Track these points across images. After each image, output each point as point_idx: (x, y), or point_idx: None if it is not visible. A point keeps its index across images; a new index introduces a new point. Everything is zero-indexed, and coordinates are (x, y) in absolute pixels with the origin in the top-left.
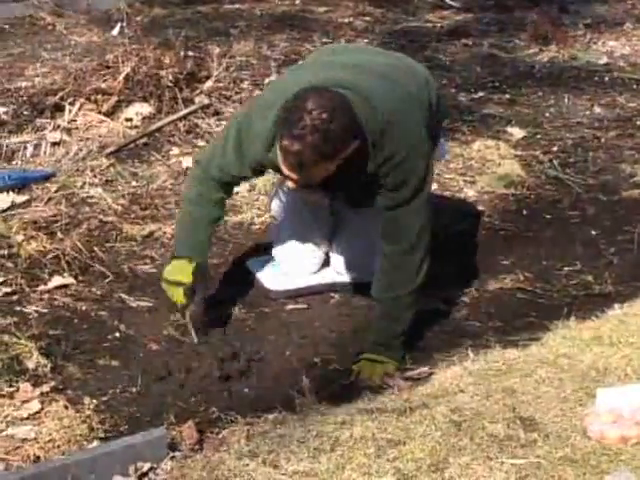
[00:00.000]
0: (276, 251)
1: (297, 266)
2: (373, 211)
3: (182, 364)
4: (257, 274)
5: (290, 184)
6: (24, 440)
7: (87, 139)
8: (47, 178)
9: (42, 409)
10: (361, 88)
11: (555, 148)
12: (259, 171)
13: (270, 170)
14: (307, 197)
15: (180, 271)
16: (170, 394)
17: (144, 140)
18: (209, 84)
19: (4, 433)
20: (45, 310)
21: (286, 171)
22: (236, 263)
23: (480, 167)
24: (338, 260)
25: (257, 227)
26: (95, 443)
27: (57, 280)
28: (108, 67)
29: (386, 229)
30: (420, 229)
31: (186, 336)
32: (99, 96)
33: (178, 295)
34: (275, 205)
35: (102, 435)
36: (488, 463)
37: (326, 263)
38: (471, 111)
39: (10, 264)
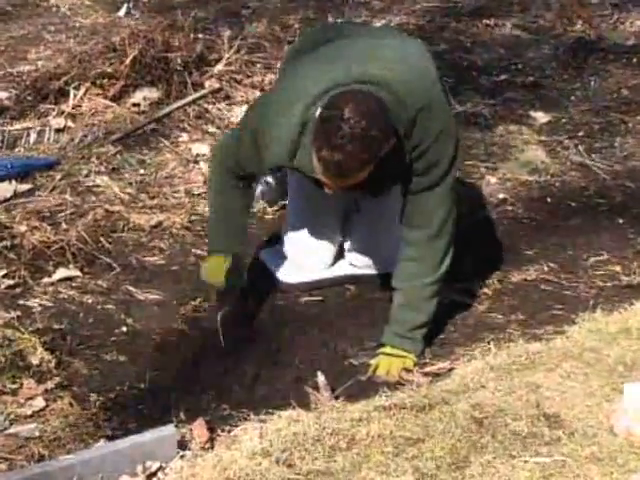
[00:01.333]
0: (288, 243)
1: (311, 258)
2: (390, 197)
3: (192, 359)
4: (270, 266)
5: (327, 190)
6: (28, 439)
7: (92, 125)
8: (51, 166)
9: (47, 406)
10: (387, 81)
11: (581, 133)
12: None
13: None
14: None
15: (213, 272)
16: (180, 390)
17: (152, 126)
18: (220, 67)
19: (7, 431)
20: (49, 303)
21: (327, 181)
22: (248, 254)
23: (502, 153)
24: (353, 251)
25: (270, 217)
26: (102, 442)
27: (62, 272)
28: (114, 50)
29: (410, 214)
30: (446, 214)
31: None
32: (105, 80)
33: (213, 297)
34: (289, 192)
35: (109, 433)
36: (511, 461)
37: (341, 254)
38: (493, 95)
39: (13, 256)
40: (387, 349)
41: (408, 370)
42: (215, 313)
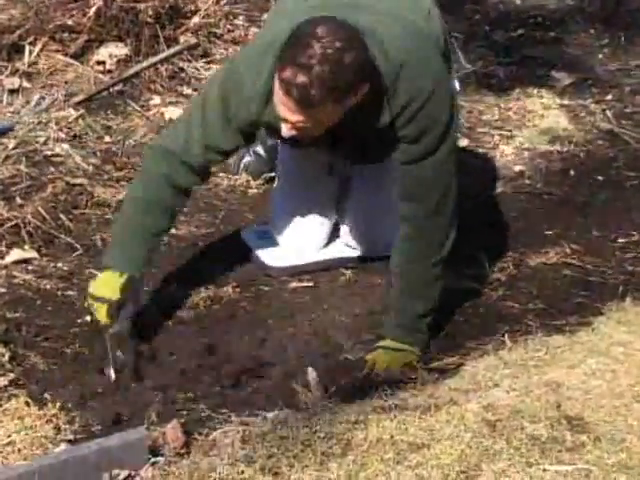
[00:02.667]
0: (276, 222)
1: (301, 239)
2: (385, 169)
3: (166, 353)
4: (254, 248)
5: (287, 132)
6: None
7: (51, 86)
8: (4, 133)
9: None
10: (372, 30)
11: (609, 96)
12: (251, 136)
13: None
14: (306, 157)
15: (107, 285)
16: (151, 388)
17: (119, 87)
18: (196, 20)
19: None
20: (2, 289)
21: (286, 113)
22: (229, 234)
23: (519, 119)
24: (347, 231)
25: (254, 191)
26: (62, 446)
27: (16, 254)
28: (76, 0)
29: (405, 187)
30: (445, 187)
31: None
32: (65, 35)
33: (101, 313)
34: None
35: (70, 437)
36: (527, 470)
37: (334, 235)
38: (509, 52)
39: None
40: (387, 342)
41: (411, 366)
42: (105, 332)
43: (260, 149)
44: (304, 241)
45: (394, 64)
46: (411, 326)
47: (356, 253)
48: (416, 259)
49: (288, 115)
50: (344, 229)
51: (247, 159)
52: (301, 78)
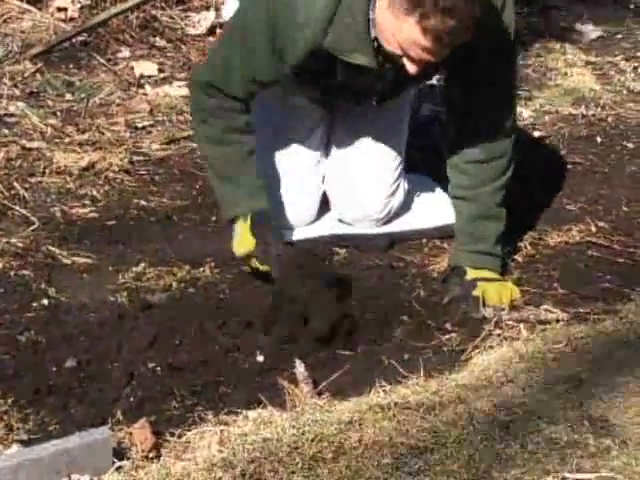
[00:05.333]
0: None
1: (286, 213)
2: (390, 121)
3: (133, 342)
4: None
5: (413, 69)
6: None
7: (4, 35)
8: None
9: None
10: None
11: None
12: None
13: None
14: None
15: (241, 241)
16: (117, 382)
17: (83, 38)
18: None
19: None
20: None
21: (425, 55)
22: (208, 207)
23: (539, 78)
24: (341, 202)
25: None
26: (15, 448)
27: None
28: None
29: (476, 104)
30: (513, 104)
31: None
32: None
33: (256, 266)
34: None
35: (24, 437)
36: (545, 478)
37: (326, 207)
38: (529, 1)
39: None
40: (481, 273)
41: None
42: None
43: None
44: (290, 216)
45: None
46: (490, 251)
47: (351, 230)
48: (489, 182)
49: (426, 57)
50: (336, 200)
51: None
52: (450, 23)
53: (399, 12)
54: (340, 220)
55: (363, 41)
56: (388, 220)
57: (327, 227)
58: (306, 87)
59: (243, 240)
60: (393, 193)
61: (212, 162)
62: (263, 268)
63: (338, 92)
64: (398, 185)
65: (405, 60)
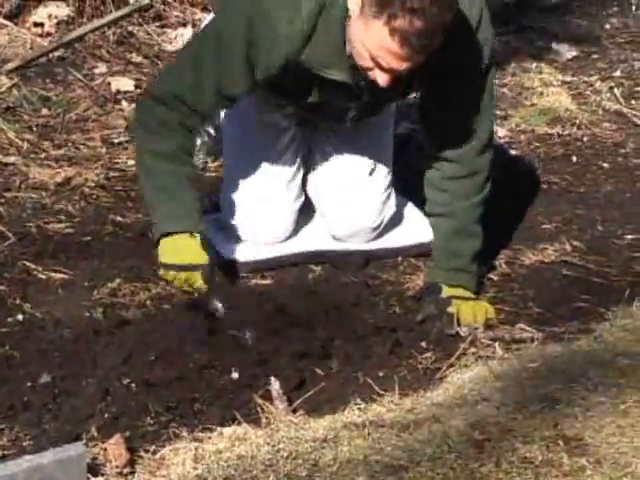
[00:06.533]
0: (229, 207)
1: (260, 232)
2: (370, 131)
3: (108, 358)
4: (211, 238)
5: (384, 81)
6: None
7: None
8: None
9: None
10: None
11: (617, 73)
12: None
13: None
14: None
15: (190, 251)
16: (91, 398)
17: (59, 53)
18: None
19: None
20: None
21: (394, 62)
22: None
23: (515, 97)
24: (334, 217)
25: (213, 174)
26: None
27: None
28: None
29: (452, 122)
30: (491, 119)
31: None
32: None
33: (196, 280)
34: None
35: None
36: None
37: (304, 221)
38: (505, 21)
39: None
40: (457, 291)
41: (489, 317)
42: (212, 301)
43: (210, 128)
44: (265, 230)
45: None
46: (465, 268)
47: (326, 247)
48: (467, 197)
49: (395, 64)
50: (317, 213)
51: (201, 139)
52: (418, 24)
53: (368, 17)
54: (334, 237)
55: (339, 56)
56: (380, 233)
57: (302, 244)
58: (281, 105)
59: (196, 254)
60: (385, 201)
61: (157, 177)
62: (199, 285)
63: (313, 111)
64: (389, 194)
65: (376, 72)
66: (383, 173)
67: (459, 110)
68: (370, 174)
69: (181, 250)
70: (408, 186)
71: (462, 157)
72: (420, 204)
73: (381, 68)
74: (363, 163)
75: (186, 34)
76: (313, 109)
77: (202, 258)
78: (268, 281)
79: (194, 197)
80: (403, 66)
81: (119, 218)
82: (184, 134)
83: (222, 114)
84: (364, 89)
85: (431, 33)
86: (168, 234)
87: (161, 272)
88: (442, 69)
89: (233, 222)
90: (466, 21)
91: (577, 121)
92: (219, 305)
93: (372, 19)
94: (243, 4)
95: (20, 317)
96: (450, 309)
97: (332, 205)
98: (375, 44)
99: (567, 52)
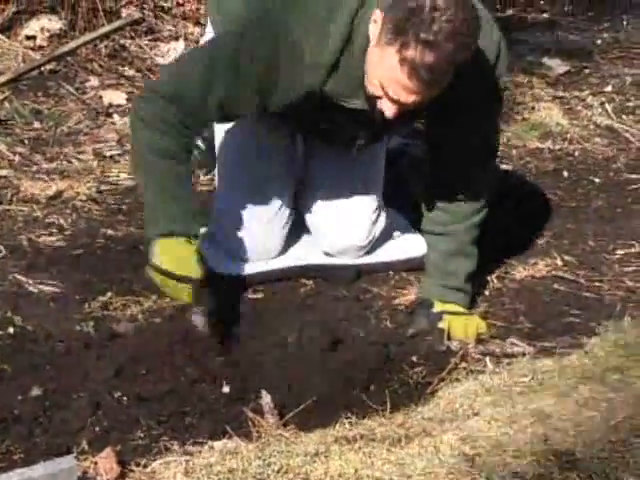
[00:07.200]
0: (220, 225)
1: (252, 246)
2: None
3: (99, 371)
4: (202, 251)
5: (391, 112)
6: None
7: None
8: None
9: None
10: None
11: (609, 88)
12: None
13: None
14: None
15: (185, 262)
16: (82, 411)
17: (51, 66)
18: None
19: None
20: None
21: (402, 93)
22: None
23: (507, 112)
24: (324, 234)
25: (205, 188)
26: None
27: None
28: None
29: (456, 144)
30: (495, 145)
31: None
32: None
33: (182, 294)
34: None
35: None
36: None
37: (297, 236)
38: None
39: None
40: (448, 306)
41: (481, 333)
42: (198, 316)
43: (199, 141)
44: (256, 247)
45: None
46: (460, 287)
47: (317, 261)
48: (465, 218)
49: (403, 96)
50: (310, 229)
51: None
52: (428, 58)
53: (383, 44)
54: (326, 253)
55: (360, 84)
56: (371, 248)
57: (294, 258)
58: (283, 126)
59: (191, 266)
60: (375, 221)
61: (155, 174)
62: (184, 299)
63: (322, 136)
64: (379, 213)
65: (384, 102)
66: (374, 192)
67: (465, 139)
68: (361, 194)
69: (177, 258)
70: (399, 201)
71: (465, 182)
72: (411, 219)
73: (389, 98)
74: (355, 182)
75: (178, 48)
76: (322, 134)
77: (195, 272)
78: (259, 295)
79: (192, 198)
80: (410, 99)
81: (110, 231)
82: (184, 132)
83: (216, 129)
84: (379, 117)
85: (442, 69)
86: (165, 234)
87: (149, 271)
88: (453, 102)
89: (224, 236)
90: (483, 55)
91: (568, 136)
92: (201, 320)
93: (386, 46)
94: (270, 28)
95: (11, 330)
96: (441, 324)
97: (322, 223)
98: (385, 72)
99: (559, 67)
